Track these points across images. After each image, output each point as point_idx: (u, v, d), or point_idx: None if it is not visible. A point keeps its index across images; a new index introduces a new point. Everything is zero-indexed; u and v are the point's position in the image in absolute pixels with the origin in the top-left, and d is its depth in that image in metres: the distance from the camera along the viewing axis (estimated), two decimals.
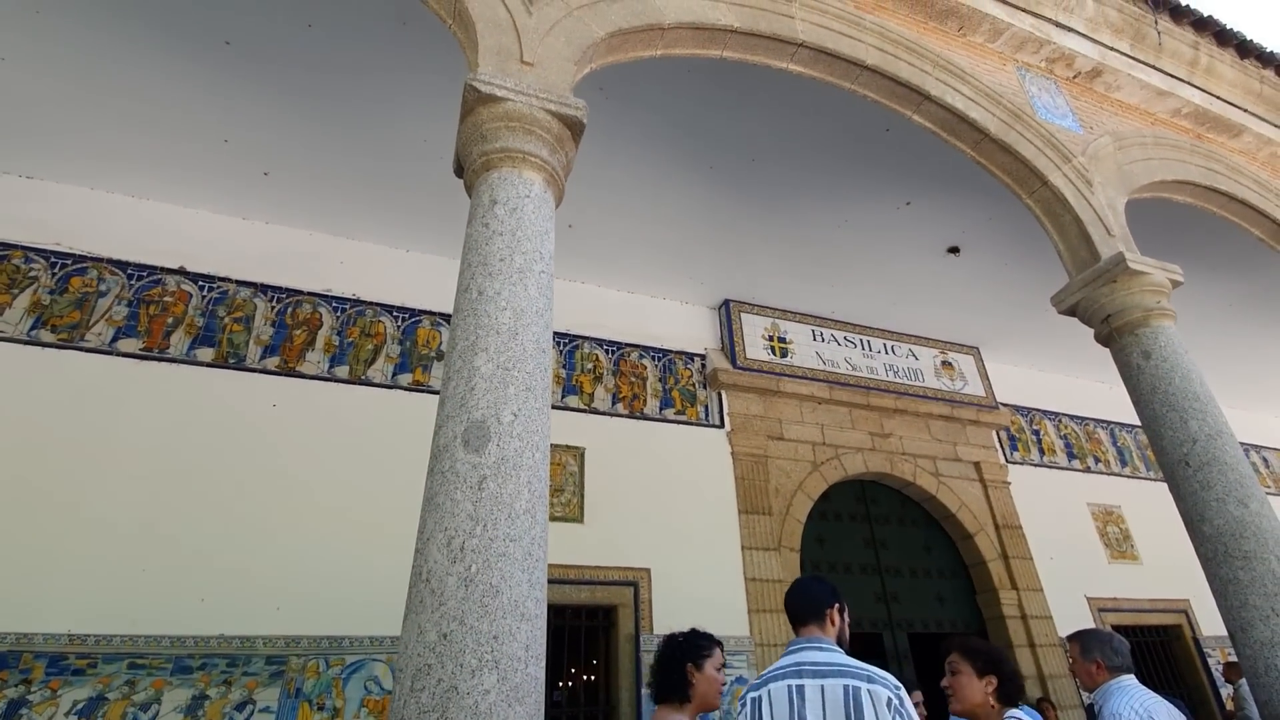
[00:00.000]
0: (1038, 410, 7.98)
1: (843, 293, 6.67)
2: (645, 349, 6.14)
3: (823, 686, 1.78)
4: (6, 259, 4.38)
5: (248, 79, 4.06)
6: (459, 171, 2.28)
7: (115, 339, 4.41)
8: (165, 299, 4.63)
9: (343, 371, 4.90)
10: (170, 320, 4.58)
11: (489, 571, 1.46)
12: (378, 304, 5.25)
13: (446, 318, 5.44)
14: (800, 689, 1.79)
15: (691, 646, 2.22)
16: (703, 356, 6.35)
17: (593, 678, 5.10)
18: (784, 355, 6.61)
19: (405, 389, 5.04)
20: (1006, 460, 7.29)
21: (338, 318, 5.08)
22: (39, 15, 3.67)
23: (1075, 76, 4.72)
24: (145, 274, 4.67)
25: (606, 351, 5.94)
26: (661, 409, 5.92)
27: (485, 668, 1.36)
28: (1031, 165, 3.89)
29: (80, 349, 4.30)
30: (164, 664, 3.69)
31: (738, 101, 4.42)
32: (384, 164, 4.74)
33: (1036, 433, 7.80)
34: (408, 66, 4.04)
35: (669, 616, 4.99)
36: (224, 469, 4.26)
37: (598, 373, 5.80)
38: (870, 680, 1.78)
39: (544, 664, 1.50)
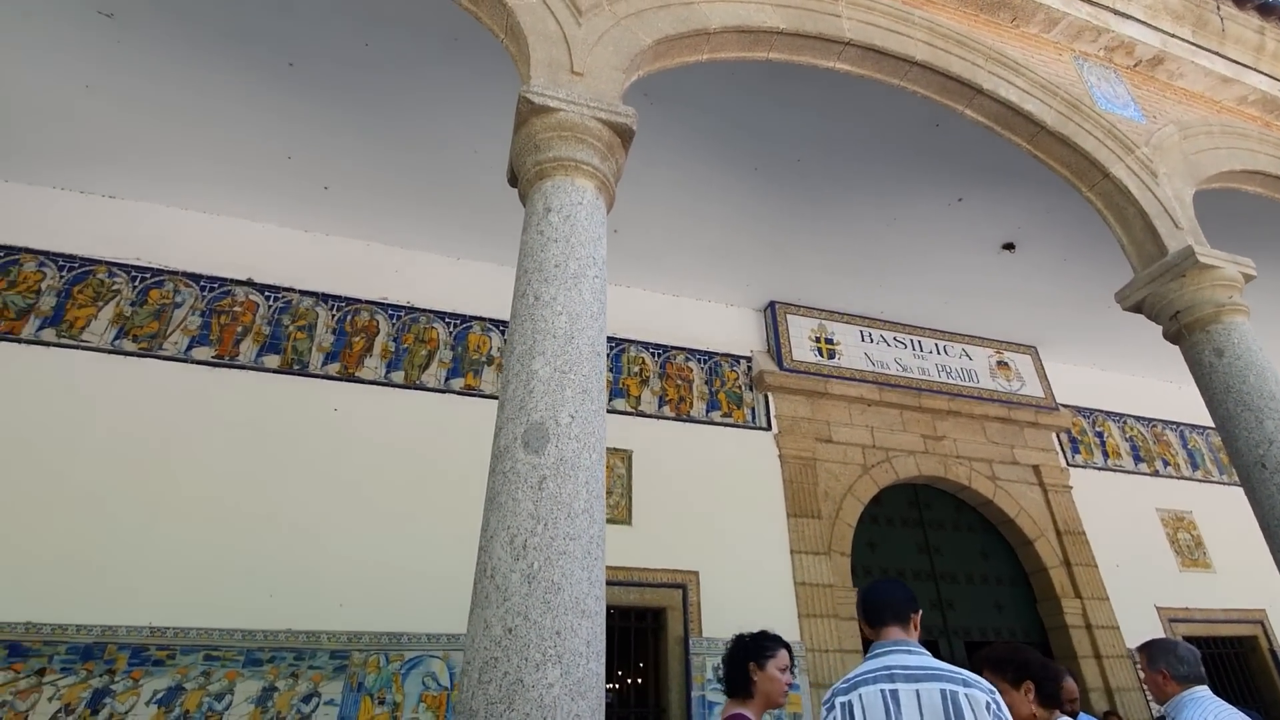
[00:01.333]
0: (1101, 411, 7.66)
1: (892, 292, 6.55)
2: (691, 351, 6.15)
3: (918, 691, 1.73)
4: (92, 274, 4.69)
5: (309, 98, 4.25)
6: (513, 181, 2.35)
7: (190, 347, 4.67)
8: (235, 309, 4.89)
9: (399, 377, 5.07)
10: (240, 329, 4.83)
11: (550, 569, 1.51)
12: (430, 311, 5.41)
13: (496, 323, 5.57)
14: (894, 693, 1.75)
15: (755, 646, 2.33)
16: (748, 359, 6.33)
17: (639, 680, 5.13)
18: (831, 356, 6.52)
19: (457, 393, 5.17)
20: (1068, 463, 7.02)
21: (393, 324, 5.26)
22: (119, 45, 3.92)
23: (1136, 65, 4.54)
24: (216, 285, 4.94)
25: (653, 354, 5.98)
26: (708, 411, 5.92)
27: (549, 662, 1.40)
28: (1092, 157, 3.76)
29: (159, 357, 4.57)
30: (236, 656, 3.88)
31: (783, 101, 4.41)
32: (437, 176, 4.90)
33: (1100, 435, 7.48)
34: (459, 82, 4.17)
35: (718, 620, 4.98)
36: (290, 470, 4.46)
37: (644, 376, 5.84)
38: (966, 684, 1.74)
39: (604, 661, 1.53)
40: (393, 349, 5.15)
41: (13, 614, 3.66)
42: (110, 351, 4.51)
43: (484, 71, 4.08)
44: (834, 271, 6.23)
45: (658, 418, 5.70)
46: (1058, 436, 7.14)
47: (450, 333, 5.40)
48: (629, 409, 5.61)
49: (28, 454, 4.06)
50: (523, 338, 1.84)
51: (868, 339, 6.82)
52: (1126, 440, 7.61)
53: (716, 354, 6.24)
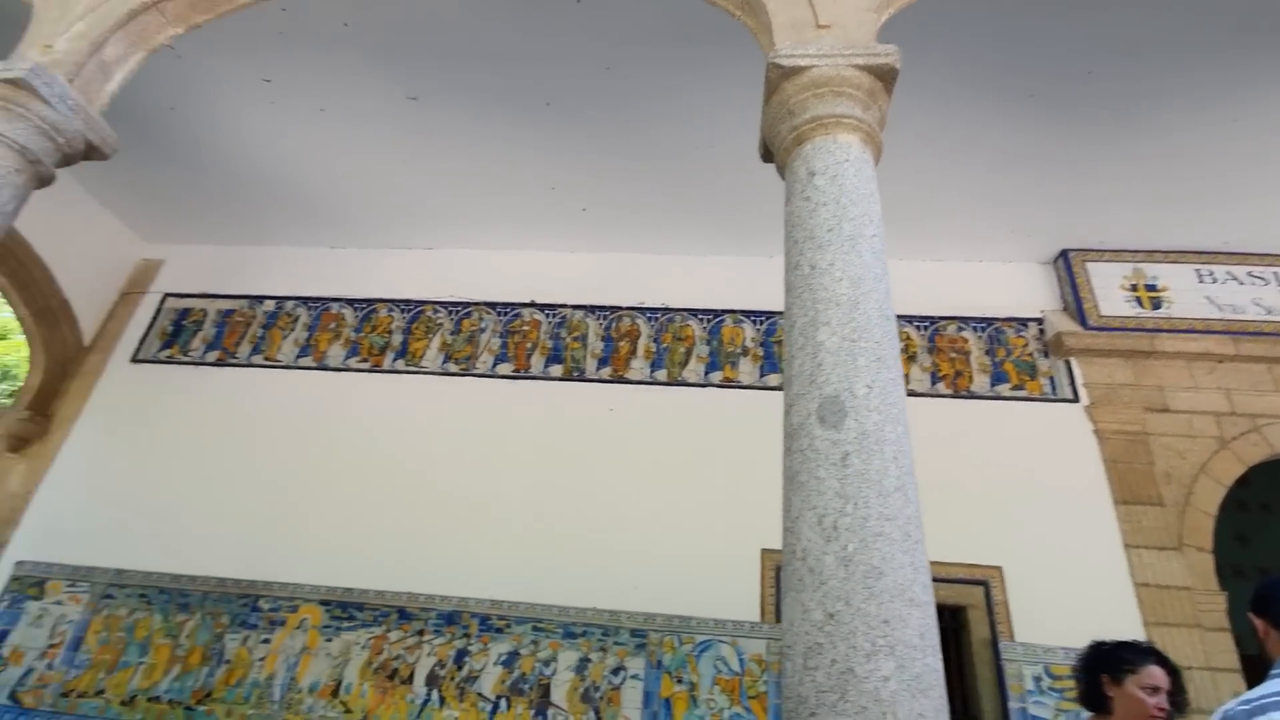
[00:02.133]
0: None
1: (1238, 215, 5.07)
2: (964, 320, 5.48)
3: None
4: (422, 313, 5.82)
5: (564, 130, 4.71)
6: (766, 156, 2.29)
7: (495, 364, 5.51)
8: (523, 328, 5.65)
9: (662, 375, 5.36)
10: (529, 345, 5.56)
11: (867, 552, 1.40)
12: (685, 309, 5.62)
13: (747, 314, 5.58)
14: None
15: (1110, 658, 1.96)
16: (1039, 321, 5.42)
17: None
18: (1156, 306, 5.28)
19: (717, 386, 5.28)
20: None
21: (652, 326, 5.58)
22: (423, 120, 4.75)
23: None
24: (509, 310, 5.76)
25: (918, 328, 5.45)
26: (993, 385, 5.20)
27: (880, 653, 1.29)
28: None
29: (474, 375, 5.48)
30: (556, 629, 4.43)
31: (1061, 10, 3.68)
32: (678, 180, 5.08)
33: None
34: (691, 84, 4.25)
35: (1034, 623, 4.34)
36: (582, 466, 4.97)
37: (911, 352, 5.35)
38: None
39: (940, 656, 1.38)
40: (654, 349, 5.47)
41: (399, 585, 4.66)
42: (441, 374, 5.52)
43: (714, 67, 4.10)
44: (1148, 201, 5.03)
45: (932, 396, 5.17)
46: None
47: (704, 328, 5.54)
48: None
49: (393, 461, 5.16)
50: (803, 310, 1.76)
51: (1208, 279, 5.38)
52: None
53: (996, 319, 5.46)
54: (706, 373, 5.34)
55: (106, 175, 5.59)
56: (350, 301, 5.97)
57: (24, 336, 6.00)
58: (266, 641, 4.60)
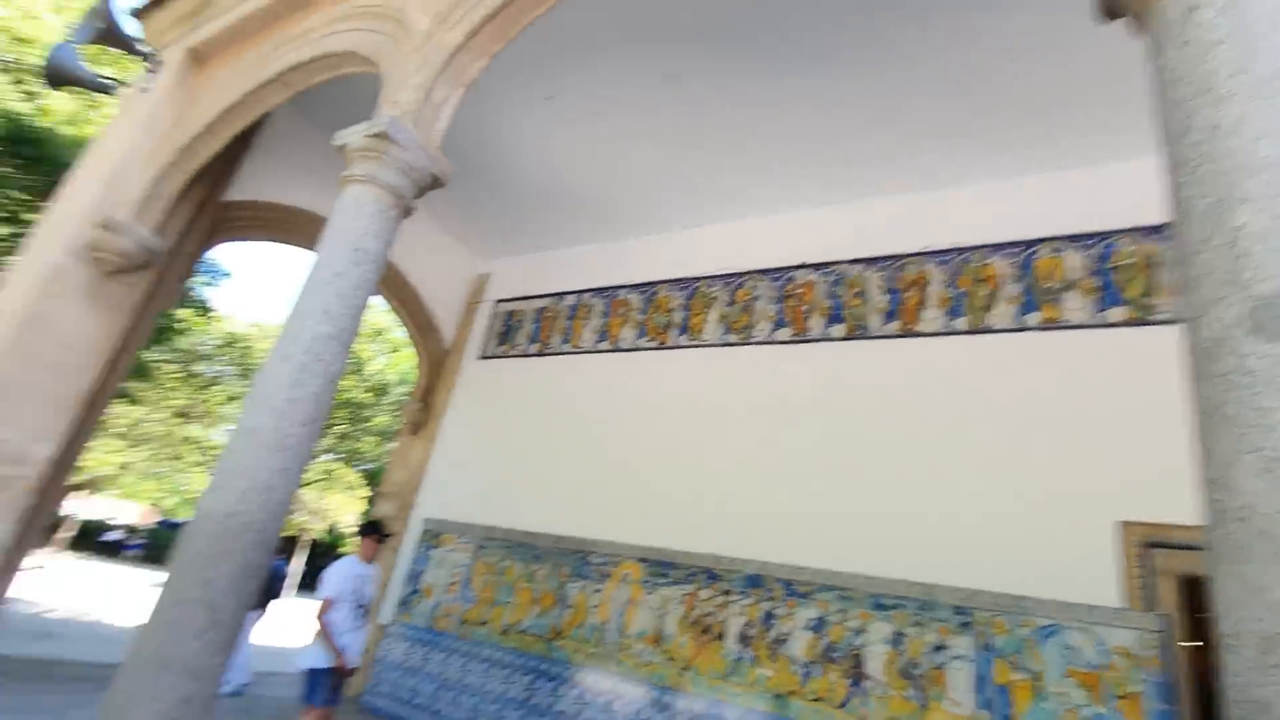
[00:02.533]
0: None
1: None
2: None
3: None
4: (698, 289, 5.99)
5: (819, 75, 4.39)
6: (1111, 11, 1.76)
7: (774, 330, 5.43)
8: (798, 291, 5.44)
9: (962, 323, 4.69)
10: (805, 308, 5.35)
11: None
12: (984, 246, 4.84)
13: (1070, 239, 4.59)
14: None
15: None
16: None
17: None
18: None
19: (1037, 329, 4.45)
20: None
21: (944, 271, 4.91)
22: (681, 103, 4.85)
23: None
24: (780, 275, 5.60)
25: None
26: None
27: None
28: None
29: (753, 343, 5.48)
30: (864, 598, 4.20)
31: None
32: (959, 96, 4.37)
33: None
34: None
35: None
36: (880, 429, 4.64)
37: None
38: None
39: None
40: (950, 295, 4.82)
41: (704, 547, 4.90)
42: (721, 345, 5.64)
43: None
44: None
45: None
46: None
47: (1012, 264, 4.71)
48: None
49: (685, 431, 5.43)
50: (1202, 188, 1.29)
51: None
52: None
53: None
54: (1021, 315, 4.54)
55: (444, 207, 6.85)
56: (635, 286, 6.43)
57: (412, 347, 7.75)
58: (599, 591, 5.23)
